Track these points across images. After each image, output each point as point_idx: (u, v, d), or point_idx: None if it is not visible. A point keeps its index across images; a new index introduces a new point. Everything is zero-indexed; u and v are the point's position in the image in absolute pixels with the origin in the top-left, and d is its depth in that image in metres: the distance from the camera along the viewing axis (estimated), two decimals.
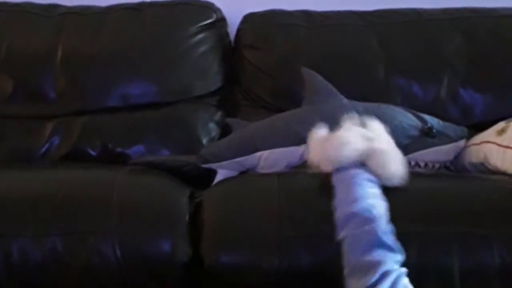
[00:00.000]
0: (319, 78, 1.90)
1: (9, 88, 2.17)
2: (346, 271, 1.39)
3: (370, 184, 1.50)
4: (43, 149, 2.11)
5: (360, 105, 1.85)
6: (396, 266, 1.35)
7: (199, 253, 1.58)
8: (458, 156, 1.84)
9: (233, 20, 2.28)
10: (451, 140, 1.83)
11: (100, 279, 1.57)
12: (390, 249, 1.36)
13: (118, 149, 2.06)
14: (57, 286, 1.57)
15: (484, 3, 2.19)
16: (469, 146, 1.83)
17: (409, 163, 1.75)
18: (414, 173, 1.72)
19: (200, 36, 2.20)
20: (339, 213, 1.46)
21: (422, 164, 1.79)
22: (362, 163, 1.53)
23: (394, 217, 1.46)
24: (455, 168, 1.84)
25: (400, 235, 1.44)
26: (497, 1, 2.18)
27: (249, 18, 2.25)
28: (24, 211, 1.62)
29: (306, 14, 2.22)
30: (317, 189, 1.65)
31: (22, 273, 1.57)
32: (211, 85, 2.20)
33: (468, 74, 2.07)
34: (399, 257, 1.37)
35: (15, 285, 1.58)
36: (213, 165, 1.85)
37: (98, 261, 1.56)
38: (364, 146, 1.54)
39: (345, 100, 1.88)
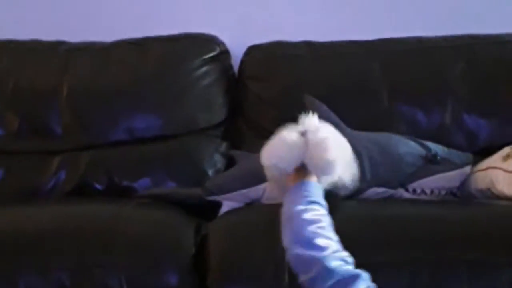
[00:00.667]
0: (323, 107, 1.90)
1: (15, 124, 2.18)
2: None
3: (306, 209, 1.42)
4: (50, 184, 2.11)
5: (363, 135, 1.85)
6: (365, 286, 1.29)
7: (206, 286, 1.57)
8: (464, 182, 1.83)
9: (237, 53, 2.30)
10: (457, 166, 1.83)
11: None
12: (352, 279, 1.29)
13: (124, 183, 2.07)
14: None
15: (485, 29, 2.20)
16: (475, 172, 1.83)
17: (415, 190, 1.75)
18: (419, 200, 1.73)
19: (204, 69, 2.22)
20: (289, 255, 1.40)
21: (428, 191, 1.78)
22: (300, 159, 1.49)
23: (395, 243, 1.45)
24: (462, 194, 1.83)
25: (405, 263, 1.44)
26: (498, 27, 2.19)
27: (252, 50, 2.27)
28: (30, 246, 1.63)
29: (309, 45, 2.24)
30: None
31: None
32: (215, 117, 2.21)
33: (472, 100, 2.07)
34: (364, 278, 1.30)
35: None
36: (218, 197, 1.85)
37: None
38: (300, 139, 1.50)
39: (348, 130, 1.89)
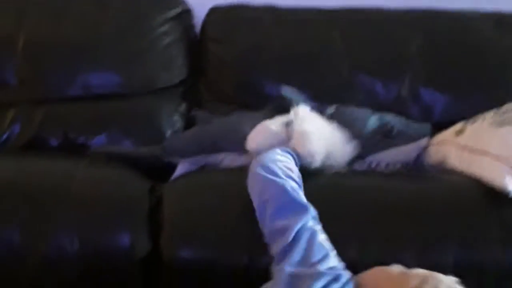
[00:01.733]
0: (301, 96, 1.90)
1: None
2: (266, 239, 1.43)
3: (279, 152, 1.54)
4: (4, 137, 2.07)
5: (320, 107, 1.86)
6: (311, 223, 1.39)
7: (159, 248, 1.58)
8: (419, 156, 1.86)
9: (199, 13, 2.27)
10: (413, 139, 1.85)
11: (58, 272, 1.57)
12: (301, 208, 1.40)
13: (80, 139, 2.04)
14: (15, 279, 1.56)
15: (447, 4, 2.21)
16: (429, 146, 1.85)
17: (370, 164, 1.77)
18: (367, 172, 1.75)
19: (166, 27, 2.19)
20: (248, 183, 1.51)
21: (383, 164, 1.81)
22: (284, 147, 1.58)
23: (340, 216, 1.48)
24: (416, 168, 1.86)
25: (353, 234, 1.47)
26: (459, 2, 2.20)
27: (214, 11, 2.24)
28: None
29: (272, 9, 2.22)
30: None
31: None
32: (175, 77, 2.19)
33: (429, 74, 2.09)
34: (312, 213, 1.40)
35: None
36: (175, 159, 1.85)
37: (56, 254, 1.56)
38: (283, 130, 1.62)
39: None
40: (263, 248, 1.51)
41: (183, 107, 2.16)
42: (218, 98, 2.17)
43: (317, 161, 1.60)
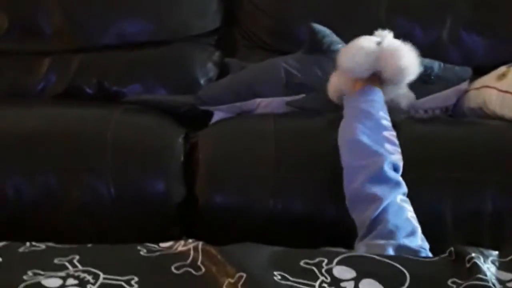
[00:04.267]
0: (327, 31, 1.86)
1: (4, 24, 2.14)
2: (347, 199, 1.40)
3: (383, 114, 1.50)
4: (40, 86, 2.09)
5: None
6: (400, 199, 1.35)
7: (193, 193, 1.59)
8: (459, 100, 1.82)
9: None
10: (453, 83, 1.81)
11: (94, 216, 1.59)
12: (395, 183, 1.37)
13: (114, 88, 2.04)
14: (51, 223, 1.59)
15: None
16: (469, 90, 1.81)
17: (409, 111, 1.73)
18: (408, 118, 1.72)
19: None
20: (345, 138, 1.47)
21: (422, 111, 1.77)
22: (374, 67, 1.57)
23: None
24: (455, 113, 1.82)
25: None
26: None
27: None
28: (17, 148, 1.62)
29: None
30: (313, 132, 1.64)
31: (16, 210, 1.59)
32: (209, 24, 2.16)
33: (471, 17, 2.02)
34: (404, 190, 1.37)
35: (9, 222, 1.59)
36: (210, 108, 1.84)
37: (92, 198, 1.57)
38: (376, 48, 1.57)
39: None
40: (294, 194, 1.51)
41: (217, 55, 2.14)
42: (252, 46, 2.15)
43: (406, 80, 1.60)
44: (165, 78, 2.04)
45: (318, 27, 1.86)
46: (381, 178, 1.36)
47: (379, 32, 1.65)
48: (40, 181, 1.58)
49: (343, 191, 1.41)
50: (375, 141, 1.43)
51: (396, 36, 1.76)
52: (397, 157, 1.43)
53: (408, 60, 1.58)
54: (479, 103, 1.76)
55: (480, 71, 1.87)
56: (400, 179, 1.39)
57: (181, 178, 1.61)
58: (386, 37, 1.62)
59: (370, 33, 1.86)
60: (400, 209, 1.32)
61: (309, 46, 1.84)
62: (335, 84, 1.67)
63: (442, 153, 1.53)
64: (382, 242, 1.26)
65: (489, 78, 1.79)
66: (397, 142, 1.46)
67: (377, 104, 1.54)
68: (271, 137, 1.61)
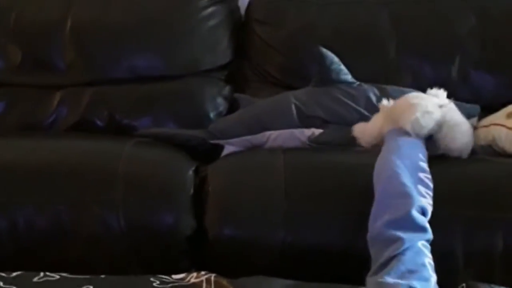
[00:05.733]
0: (335, 58, 1.88)
1: (17, 57, 2.16)
2: (369, 234, 1.39)
3: (422, 156, 1.50)
4: (51, 119, 2.11)
5: (370, 88, 1.84)
6: (422, 244, 1.34)
7: (203, 226, 1.59)
8: None
9: None
10: None
11: (105, 248, 1.58)
12: (421, 229, 1.36)
13: (125, 121, 2.06)
14: (62, 254, 1.58)
15: None
16: (478, 128, 1.82)
17: None
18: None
19: (210, 9, 2.18)
20: (382, 172, 1.46)
21: None
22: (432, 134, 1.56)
23: None
24: None
25: None
26: None
27: None
28: (29, 180, 1.63)
29: None
30: (323, 166, 1.65)
31: (27, 241, 1.58)
32: (220, 59, 2.18)
33: (480, 55, 2.04)
34: (428, 236, 1.36)
35: (20, 253, 1.59)
36: (221, 141, 1.85)
37: (103, 230, 1.57)
38: (440, 116, 1.57)
39: (356, 83, 1.88)
40: (305, 227, 1.51)
41: (227, 89, 2.16)
42: (262, 81, 2.17)
43: (465, 156, 1.61)
44: (175, 112, 2.06)
45: (326, 52, 1.88)
46: (407, 223, 1.35)
47: (434, 91, 1.66)
48: (51, 213, 1.59)
49: (353, 223, 1.41)
50: (409, 181, 1.41)
51: (405, 73, 1.79)
52: (427, 201, 1.41)
53: (466, 138, 1.60)
54: (489, 141, 1.76)
55: (488, 109, 1.88)
56: (427, 225, 1.37)
57: (191, 211, 1.62)
58: (447, 105, 1.62)
59: (380, 71, 1.89)
60: (419, 253, 1.32)
61: (318, 74, 1.86)
62: (378, 127, 1.66)
63: (453, 190, 1.53)
64: (392, 281, 1.25)
65: (498, 116, 1.81)
66: (431, 185, 1.45)
67: (418, 145, 1.53)
68: (281, 171, 1.61)
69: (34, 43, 2.17)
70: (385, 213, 1.37)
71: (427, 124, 1.55)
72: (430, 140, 1.59)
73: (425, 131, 1.55)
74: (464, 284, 1.12)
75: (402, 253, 1.30)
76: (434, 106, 1.58)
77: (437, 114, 1.57)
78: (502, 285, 1.31)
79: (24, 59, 2.16)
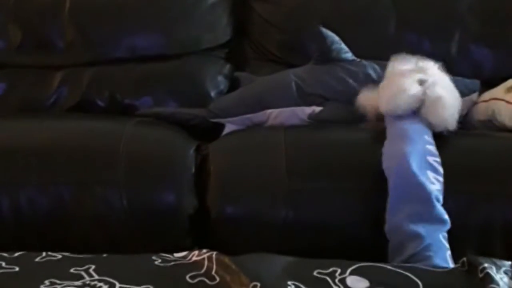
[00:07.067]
0: (335, 38, 1.88)
1: (18, 37, 2.16)
2: (387, 227, 1.39)
3: (427, 137, 1.49)
4: (52, 99, 2.10)
5: (370, 64, 1.84)
6: (442, 237, 1.35)
7: (205, 205, 1.60)
8: (468, 112, 1.83)
9: None
10: (462, 95, 1.82)
11: (107, 228, 1.60)
12: (440, 222, 1.37)
13: (126, 100, 2.06)
14: (65, 234, 1.60)
15: None
16: (478, 103, 1.82)
17: None
18: None
19: None
20: (393, 163, 1.44)
21: None
22: (415, 110, 1.55)
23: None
24: (464, 125, 1.83)
25: None
26: None
27: None
28: (31, 160, 1.64)
29: None
30: (323, 143, 1.66)
31: (30, 221, 1.60)
32: (220, 37, 2.18)
33: (480, 30, 2.03)
34: (446, 227, 1.37)
35: (23, 233, 1.60)
36: (222, 120, 1.85)
37: (105, 210, 1.59)
38: (419, 92, 1.55)
39: (357, 60, 1.87)
40: (306, 204, 1.51)
41: (227, 68, 2.15)
42: (263, 59, 2.16)
43: (451, 127, 1.58)
44: (176, 91, 2.06)
45: (327, 32, 1.88)
46: (427, 216, 1.36)
47: (422, 64, 1.63)
48: (53, 193, 1.60)
49: (354, 200, 1.42)
50: (420, 169, 1.41)
51: (405, 49, 1.78)
52: (438, 188, 1.42)
53: (450, 110, 1.58)
54: (489, 116, 1.77)
55: (488, 84, 1.88)
56: (446, 216, 1.38)
57: (193, 190, 1.63)
58: (430, 79, 1.60)
59: (380, 47, 1.87)
60: (442, 248, 1.33)
61: (318, 53, 1.86)
62: (371, 100, 1.66)
63: (452, 165, 1.53)
64: None
65: (498, 91, 1.81)
66: (440, 169, 1.45)
67: (422, 127, 1.53)
68: (282, 148, 1.62)
69: (34, 24, 2.16)
70: (405, 206, 1.37)
71: (402, 102, 1.54)
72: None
73: (399, 110, 1.55)
74: (464, 258, 1.13)
75: (426, 249, 1.31)
76: (411, 83, 1.57)
77: (413, 91, 1.56)
78: (503, 258, 1.32)
79: (24, 40, 2.16)
